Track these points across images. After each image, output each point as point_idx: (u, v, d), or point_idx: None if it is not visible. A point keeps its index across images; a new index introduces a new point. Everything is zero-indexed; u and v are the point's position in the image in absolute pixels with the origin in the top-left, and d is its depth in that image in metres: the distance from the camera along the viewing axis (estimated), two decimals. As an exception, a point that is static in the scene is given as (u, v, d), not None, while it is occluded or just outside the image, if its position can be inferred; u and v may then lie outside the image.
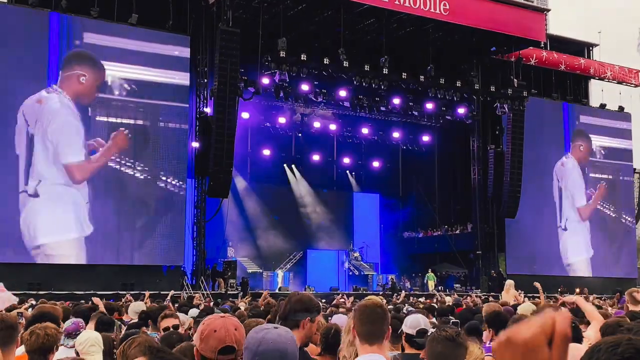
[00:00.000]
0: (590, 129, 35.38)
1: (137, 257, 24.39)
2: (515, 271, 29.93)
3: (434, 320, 7.73)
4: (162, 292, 19.74)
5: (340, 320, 5.26)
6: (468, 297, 19.84)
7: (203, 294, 22.06)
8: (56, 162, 23.18)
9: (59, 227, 22.96)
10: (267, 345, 2.54)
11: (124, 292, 19.82)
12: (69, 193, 23.37)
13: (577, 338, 4.92)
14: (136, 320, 7.80)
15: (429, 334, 4.10)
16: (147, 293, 15.20)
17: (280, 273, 31.29)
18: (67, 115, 23.64)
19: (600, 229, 34.80)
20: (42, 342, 4.20)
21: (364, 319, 3.35)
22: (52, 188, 23.02)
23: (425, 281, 31.72)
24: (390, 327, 3.46)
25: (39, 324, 4.37)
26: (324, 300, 14.15)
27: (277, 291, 26.44)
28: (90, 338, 4.88)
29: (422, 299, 20.14)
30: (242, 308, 11.57)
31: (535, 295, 18.87)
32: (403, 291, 24.34)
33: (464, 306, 12.18)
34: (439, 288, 31.00)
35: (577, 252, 33.88)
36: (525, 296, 17.45)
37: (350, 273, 34.03)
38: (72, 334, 5.74)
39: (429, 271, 31.85)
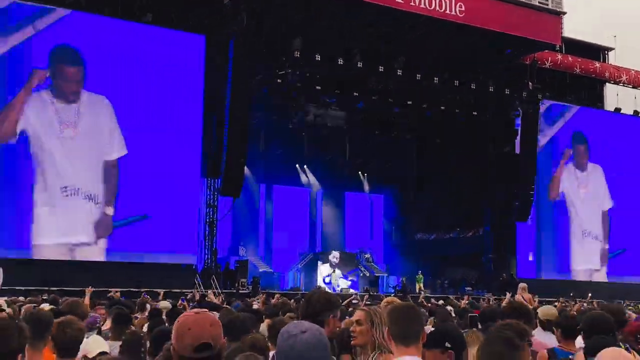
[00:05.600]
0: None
1: (148, 256, 24.39)
2: (524, 275, 29.74)
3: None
4: (173, 291, 19.80)
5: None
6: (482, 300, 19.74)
7: (214, 293, 22.04)
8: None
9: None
10: (296, 355, 2.57)
11: (136, 290, 19.85)
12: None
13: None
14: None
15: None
16: (161, 292, 15.20)
17: (291, 273, 31.25)
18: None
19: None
20: (68, 339, 4.13)
21: (398, 319, 3.25)
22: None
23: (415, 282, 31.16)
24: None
25: (65, 319, 4.31)
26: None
27: (288, 291, 26.42)
28: None
29: (441, 302, 19.98)
30: (256, 307, 11.55)
31: (550, 299, 18.80)
32: (422, 292, 24.26)
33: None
34: (451, 291, 30.76)
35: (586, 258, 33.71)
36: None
37: (361, 274, 33.87)
38: (90, 326, 5.89)
39: (419, 273, 31.41)
